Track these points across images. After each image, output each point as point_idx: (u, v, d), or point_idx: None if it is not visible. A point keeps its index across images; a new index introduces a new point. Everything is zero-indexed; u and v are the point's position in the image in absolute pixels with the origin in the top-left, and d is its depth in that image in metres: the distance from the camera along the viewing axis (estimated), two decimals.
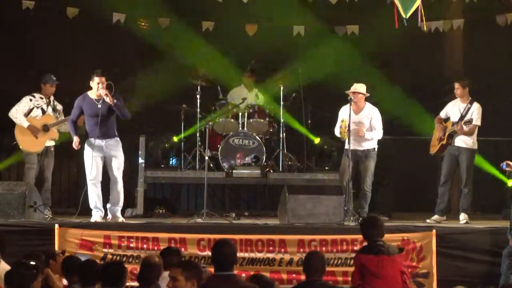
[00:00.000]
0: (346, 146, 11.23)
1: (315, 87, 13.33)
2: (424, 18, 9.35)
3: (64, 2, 12.37)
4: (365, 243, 8.25)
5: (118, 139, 10.84)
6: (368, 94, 11.33)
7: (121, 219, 10.87)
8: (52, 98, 11.73)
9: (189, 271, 6.43)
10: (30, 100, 11.53)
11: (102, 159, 10.78)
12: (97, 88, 10.63)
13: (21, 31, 13.50)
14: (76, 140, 10.78)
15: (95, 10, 12.40)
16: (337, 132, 11.43)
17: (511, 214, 10.09)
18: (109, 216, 10.85)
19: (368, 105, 11.40)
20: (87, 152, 10.79)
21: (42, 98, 11.60)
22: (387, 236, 8.37)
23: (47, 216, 11.09)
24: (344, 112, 11.35)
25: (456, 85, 11.58)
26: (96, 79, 10.63)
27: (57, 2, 12.34)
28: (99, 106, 10.64)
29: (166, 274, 6.95)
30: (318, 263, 7.38)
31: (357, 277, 7.95)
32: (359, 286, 7.88)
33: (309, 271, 7.36)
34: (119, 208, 10.87)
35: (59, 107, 11.78)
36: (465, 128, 11.31)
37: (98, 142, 10.70)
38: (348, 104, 11.21)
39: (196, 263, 7.16)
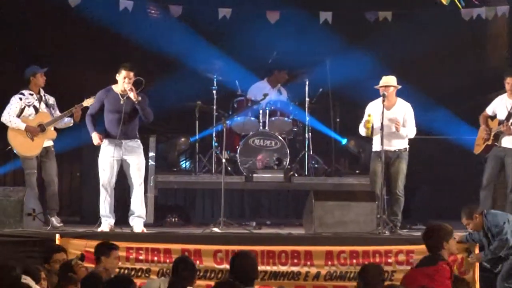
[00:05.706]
0: (375, 148, 10.98)
1: (344, 83, 13.01)
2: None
3: None
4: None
5: (139, 141, 10.59)
6: (399, 86, 11.00)
7: (139, 229, 10.44)
8: (42, 92, 11.20)
9: None
10: (20, 99, 11.00)
11: (119, 162, 10.49)
12: (122, 82, 10.34)
13: (20, 25, 13.40)
14: (95, 136, 10.41)
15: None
16: (362, 130, 11.18)
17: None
18: (134, 228, 10.51)
19: (400, 100, 11.09)
20: (103, 153, 10.47)
21: (32, 95, 11.04)
22: (422, 247, 8.40)
23: (58, 225, 10.82)
24: (372, 108, 11.09)
25: (509, 79, 11.21)
26: (123, 73, 10.33)
27: None
28: (122, 102, 10.34)
29: None
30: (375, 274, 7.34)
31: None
32: None
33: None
34: (140, 219, 10.53)
35: (52, 100, 11.22)
36: None
37: (117, 142, 10.39)
38: (377, 100, 11.02)
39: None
